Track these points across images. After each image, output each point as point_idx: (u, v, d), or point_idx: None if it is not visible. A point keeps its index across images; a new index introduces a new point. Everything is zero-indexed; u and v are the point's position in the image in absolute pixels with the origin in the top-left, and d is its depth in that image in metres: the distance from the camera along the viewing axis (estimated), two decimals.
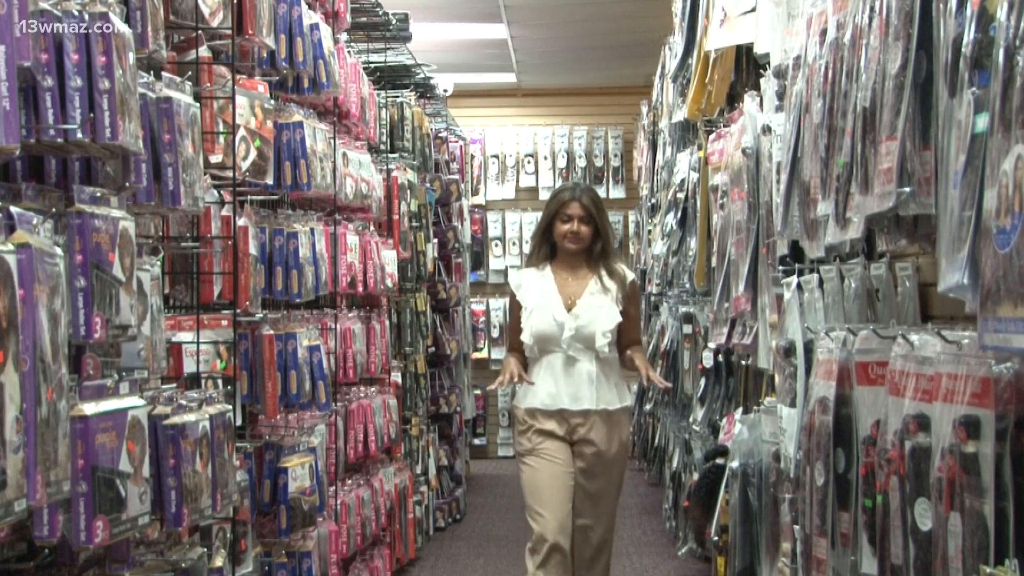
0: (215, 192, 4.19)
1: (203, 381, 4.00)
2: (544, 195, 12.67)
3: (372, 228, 6.61)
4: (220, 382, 4.11)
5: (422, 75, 9.06)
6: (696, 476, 6.18)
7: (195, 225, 4.12)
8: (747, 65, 5.56)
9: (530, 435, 5.27)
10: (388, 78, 8.03)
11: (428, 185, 9.12)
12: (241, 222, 4.32)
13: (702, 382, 7.01)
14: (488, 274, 13.18)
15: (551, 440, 5.25)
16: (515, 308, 5.43)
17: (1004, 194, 1.80)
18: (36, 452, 2.22)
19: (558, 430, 5.25)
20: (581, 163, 13.32)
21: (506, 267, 12.99)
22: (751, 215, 4.63)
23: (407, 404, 7.99)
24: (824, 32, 3.12)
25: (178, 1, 3.75)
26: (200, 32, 3.89)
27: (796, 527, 3.36)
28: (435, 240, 9.38)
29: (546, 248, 5.46)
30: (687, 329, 7.89)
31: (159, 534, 3.25)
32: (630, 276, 5.40)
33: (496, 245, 13.35)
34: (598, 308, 5.28)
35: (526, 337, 5.30)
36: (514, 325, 5.43)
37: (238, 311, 4.28)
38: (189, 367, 3.98)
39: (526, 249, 10.81)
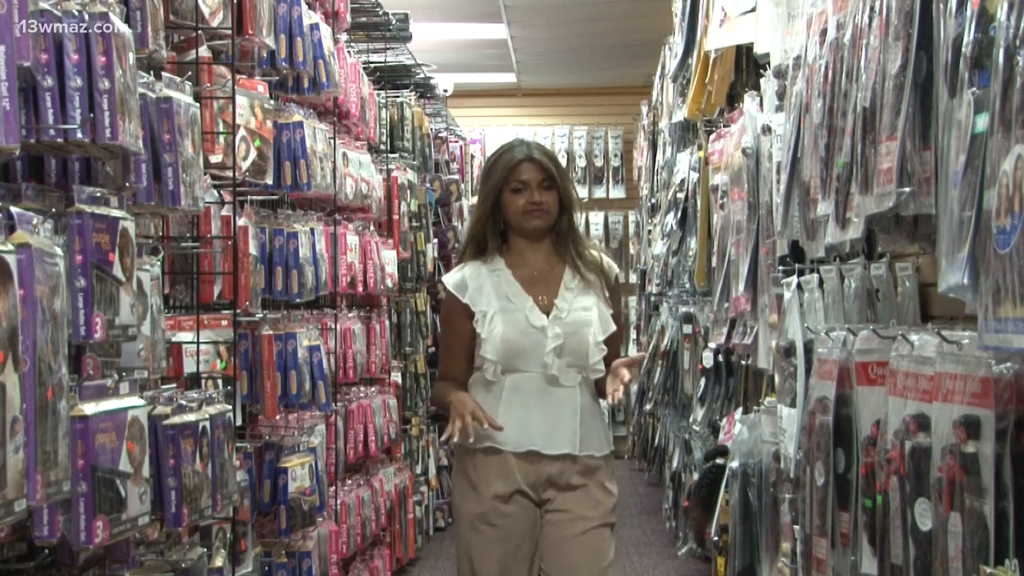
0: (215, 192, 4.19)
1: (203, 381, 4.00)
2: None
3: (372, 228, 6.61)
4: (220, 382, 4.11)
5: (422, 75, 9.06)
6: (696, 476, 6.18)
7: (195, 225, 4.12)
8: (747, 65, 5.56)
9: (478, 494, 3.81)
10: (388, 78, 8.02)
11: (428, 185, 9.12)
12: (241, 222, 4.32)
13: (702, 382, 7.01)
14: None
15: (509, 502, 3.79)
16: (455, 318, 3.92)
17: (1004, 194, 1.80)
18: (36, 452, 2.22)
19: (521, 486, 3.79)
20: (581, 163, 13.32)
21: None
22: (751, 215, 4.63)
23: (407, 404, 8.00)
24: (824, 32, 3.12)
25: (178, 1, 3.75)
26: (200, 32, 3.89)
27: (796, 527, 3.36)
28: (435, 240, 9.38)
29: (491, 237, 3.95)
30: (687, 329, 7.89)
31: (159, 534, 3.25)
32: (613, 266, 4.01)
33: None
34: (584, 310, 3.87)
35: (488, 352, 3.81)
36: (452, 344, 3.94)
37: (238, 311, 4.28)
38: (189, 367, 3.98)
39: None
